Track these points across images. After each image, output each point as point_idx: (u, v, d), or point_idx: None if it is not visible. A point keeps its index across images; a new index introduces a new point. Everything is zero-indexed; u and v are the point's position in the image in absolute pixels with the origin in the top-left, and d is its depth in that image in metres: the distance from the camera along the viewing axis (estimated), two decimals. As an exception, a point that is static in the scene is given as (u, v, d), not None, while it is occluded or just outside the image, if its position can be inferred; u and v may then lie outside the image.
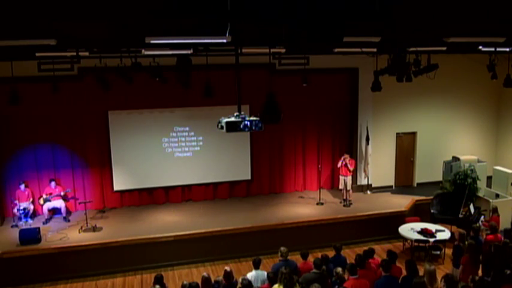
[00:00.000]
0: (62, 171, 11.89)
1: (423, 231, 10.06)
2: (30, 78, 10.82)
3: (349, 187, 12.16)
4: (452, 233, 10.10)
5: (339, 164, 12.20)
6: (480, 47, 9.02)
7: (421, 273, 6.90)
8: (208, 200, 12.86)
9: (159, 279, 6.99)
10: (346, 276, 6.63)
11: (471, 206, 11.08)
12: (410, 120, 13.75)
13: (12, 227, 10.81)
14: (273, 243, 9.67)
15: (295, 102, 12.68)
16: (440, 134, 14.04)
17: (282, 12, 4.97)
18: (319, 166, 13.08)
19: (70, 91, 11.25)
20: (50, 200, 11.24)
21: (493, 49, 9.54)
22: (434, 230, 10.14)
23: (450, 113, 14.07)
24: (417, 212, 11.73)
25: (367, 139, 13.02)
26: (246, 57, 9.31)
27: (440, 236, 9.98)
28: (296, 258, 7.97)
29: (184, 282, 6.79)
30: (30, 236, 9.86)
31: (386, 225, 11.28)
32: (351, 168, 12.17)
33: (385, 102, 13.20)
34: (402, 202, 12.20)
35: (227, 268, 7.24)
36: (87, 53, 8.71)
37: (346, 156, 12.15)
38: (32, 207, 11.32)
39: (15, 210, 10.98)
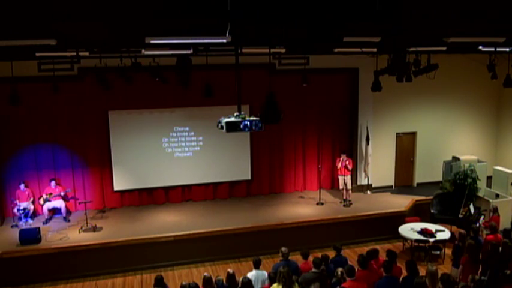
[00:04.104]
0: (62, 171, 11.88)
1: (423, 231, 10.07)
2: (30, 78, 10.83)
3: (349, 186, 12.16)
4: (452, 233, 10.10)
5: (339, 165, 12.20)
6: (480, 47, 9.02)
7: (421, 273, 6.90)
8: (208, 200, 12.86)
9: (159, 281, 6.97)
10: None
11: (471, 206, 11.08)
12: (410, 120, 13.76)
13: (12, 227, 10.81)
14: (273, 243, 9.68)
15: (295, 102, 12.70)
16: (440, 134, 14.04)
17: (282, 12, 4.97)
18: (319, 166, 13.08)
19: (70, 91, 11.26)
20: (50, 200, 11.24)
21: (493, 49, 9.54)
22: (434, 230, 10.14)
23: (450, 113, 14.07)
24: (417, 212, 11.73)
25: (367, 139, 13.02)
26: (246, 57, 9.31)
27: (440, 236, 9.98)
28: (296, 258, 7.97)
29: (184, 282, 6.78)
30: (30, 236, 9.86)
31: (386, 225, 11.27)
32: (350, 168, 12.19)
33: (385, 102, 13.20)
34: (402, 202, 12.20)
35: (230, 270, 7.24)
36: (87, 53, 8.72)
37: (343, 156, 12.16)
38: (32, 207, 11.32)
39: (15, 210, 10.98)
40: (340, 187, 12.39)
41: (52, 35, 5.90)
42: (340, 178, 12.26)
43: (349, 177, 12.17)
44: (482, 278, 6.58)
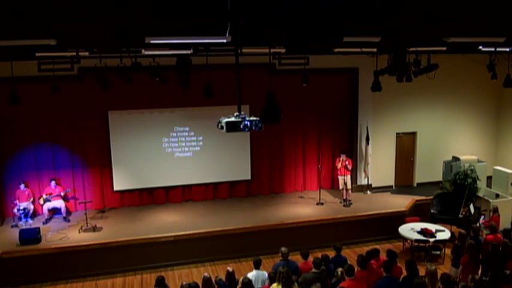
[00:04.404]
0: (62, 171, 11.88)
1: (423, 231, 10.06)
2: (30, 78, 10.82)
3: (349, 186, 12.16)
4: (452, 233, 10.10)
5: (339, 165, 12.20)
6: (480, 47, 9.02)
7: (421, 273, 6.90)
8: (208, 200, 12.86)
9: (160, 281, 6.97)
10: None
11: (471, 206, 11.08)
12: (410, 120, 13.76)
13: (12, 227, 10.81)
14: (273, 243, 9.68)
15: (295, 102, 12.70)
16: (440, 134, 14.04)
17: (282, 12, 4.97)
18: (319, 166, 13.08)
19: (70, 91, 11.25)
20: (50, 200, 11.24)
21: (493, 49, 9.54)
22: (434, 230, 10.14)
23: (450, 113, 14.07)
24: (417, 212, 11.73)
25: (367, 139, 13.02)
26: (246, 57, 9.31)
27: (440, 236, 9.98)
28: (296, 258, 7.97)
29: (184, 282, 6.79)
30: (30, 236, 9.86)
31: (386, 225, 11.27)
32: (350, 168, 12.19)
33: (385, 102, 13.20)
34: (402, 202, 12.20)
35: (229, 268, 7.25)
36: (87, 53, 8.72)
37: (343, 156, 12.16)
38: (32, 207, 11.32)
39: (15, 210, 10.98)
40: (340, 187, 12.39)
41: (52, 35, 5.90)
42: (340, 178, 12.26)
43: (349, 177, 12.17)
44: (484, 278, 6.58)
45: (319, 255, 7.49)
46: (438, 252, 10.11)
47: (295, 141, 13.41)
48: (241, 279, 6.66)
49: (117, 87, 10.72)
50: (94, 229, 10.64)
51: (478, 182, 11.66)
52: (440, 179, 13.10)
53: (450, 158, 13.08)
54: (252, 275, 7.10)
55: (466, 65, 13.09)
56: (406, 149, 14.03)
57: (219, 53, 9.56)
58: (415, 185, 14.13)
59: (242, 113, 6.20)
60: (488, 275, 6.54)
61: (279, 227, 10.82)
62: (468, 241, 7.67)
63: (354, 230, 11.25)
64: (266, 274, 7.02)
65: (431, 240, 9.88)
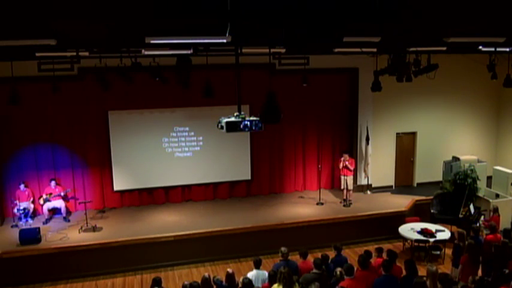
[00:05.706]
0: (62, 171, 11.88)
1: (423, 231, 10.07)
2: (30, 78, 10.82)
3: (350, 187, 12.16)
4: (452, 233, 10.11)
5: (341, 165, 12.19)
6: (480, 47, 9.02)
7: (421, 273, 6.91)
8: (208, 200, 12.85)
9: (157, 282, 6.96)
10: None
11: (471, 206, 11.08)
12: (410, 120, 13.75)
13: (12, 227, 10.81)
14: (273, 243, 9.68)
15: (295, 102, 12.69)
16: (440, 134, 14.04)
17: (282, 12, 4.97)
18: (319, 166, 13.08)
19: (70, 91, 11.25)
20: (50, 200, 11.24)
21: (493, 49, 9.54)
22: (434, 230, 10.14)
23: (450, 113, 14.07)
24: (417, 212, 11.73)
25: (367, 139, 13.02)
26: (246, 57, 9.31)
27: (440, 236, 9.98)
28: (296, 258, 7.96)
29: (185, 282, 6.78)
30: (30, 236, 9.86)
31: (386, 225, 11.28)
32: (352, 168, 12.18)
33: (385, 102, 13.20)
34: (402, 202, 12.20)
35: (229, 270, 7.24)
36: (87, 53, 8.73)
37: (345, 156, 12.16)
38: (32, 207, 11.32)
39: (15, 210, 10.98)
40: (342, 187, 12.39)
41: (52, 35, 5.90)
42: (342, 178, 12.26)
43: (350, 177, 12.16)
44: (486, 278, 6.58)
45: (319, 255, 7.48)
46: (438, 252, 10.11)
47: (295, 141, 13.41)
48: (241, 279, 6.66)
49: (117, 87, 10.73)
50: (94, 229, 10.63)
51: (478, 182, 11.65)
52: (440, 179, 13.10)
53: (450, 158, 13.08)
54: (252, 274, 7.10)
55: (466, 65, 13.08)
56: (406, 149, 14.03)
57: (219, 53, 9.56)
58: (415, 185, 14.12)
59: (242, 113, 6.19)
60: (491, 276, 6.53)
61: (279, 227, 10.82)
62: (468, 241, 7.67)
63: (354, 230, 11.25)
64: (266, 274, 7.02)
65: (431, 240, 9.88)
